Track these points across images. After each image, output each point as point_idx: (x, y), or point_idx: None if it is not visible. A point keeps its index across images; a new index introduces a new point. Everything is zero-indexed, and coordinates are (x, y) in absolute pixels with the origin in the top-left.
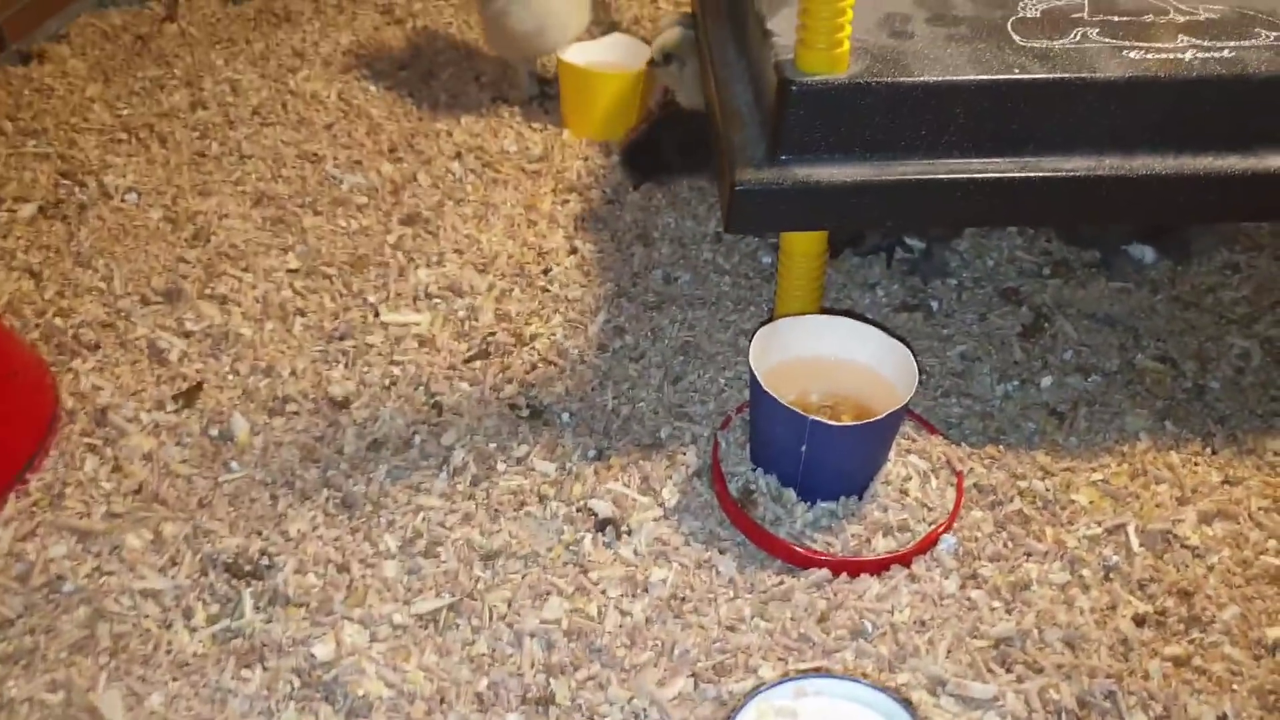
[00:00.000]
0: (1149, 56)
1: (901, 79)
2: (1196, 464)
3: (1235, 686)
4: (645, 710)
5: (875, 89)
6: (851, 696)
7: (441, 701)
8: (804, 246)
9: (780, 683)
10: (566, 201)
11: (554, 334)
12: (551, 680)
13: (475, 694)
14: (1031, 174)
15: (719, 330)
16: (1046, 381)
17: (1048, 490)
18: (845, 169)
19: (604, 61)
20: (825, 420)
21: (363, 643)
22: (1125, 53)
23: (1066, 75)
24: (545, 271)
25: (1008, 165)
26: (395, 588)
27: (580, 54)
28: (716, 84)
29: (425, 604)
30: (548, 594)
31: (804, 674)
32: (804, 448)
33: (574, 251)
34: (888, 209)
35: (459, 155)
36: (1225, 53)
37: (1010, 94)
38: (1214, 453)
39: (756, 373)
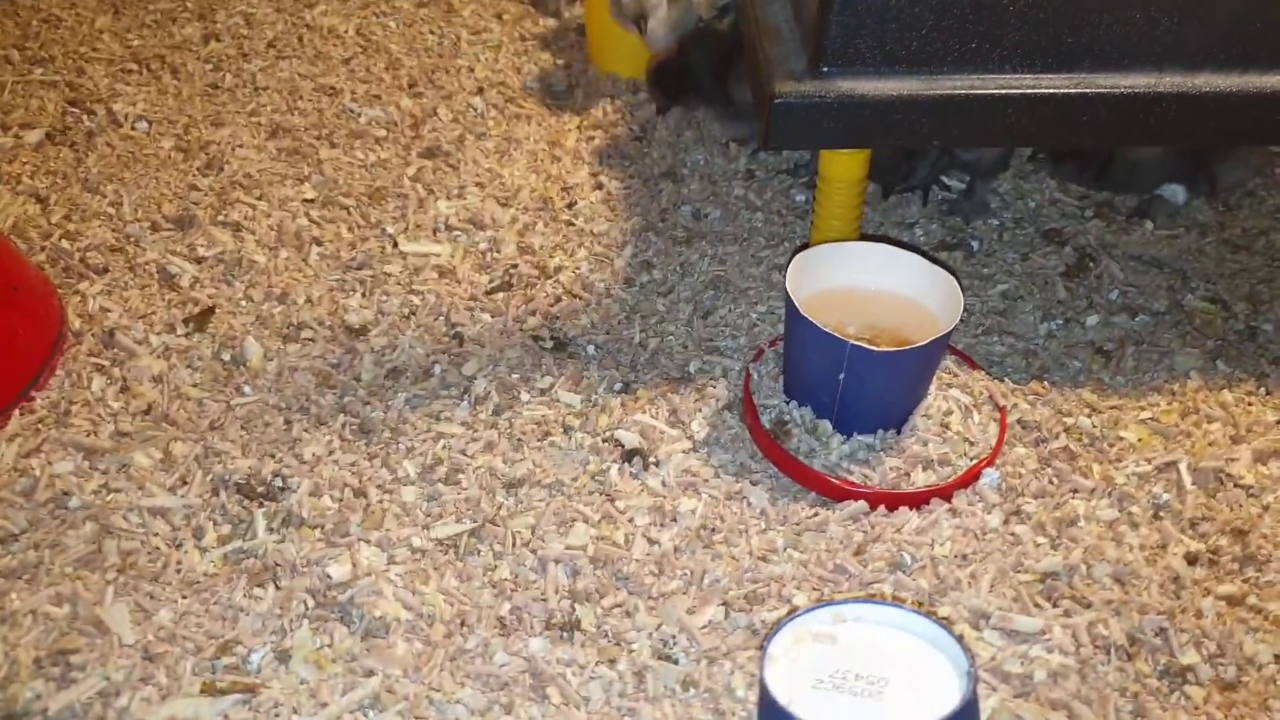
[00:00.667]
0: None
1: None
2: (1250, 404)
3: None
4: (675, 637)
5: None
6: (893, 623)
7: (462, 625)
8: (844, 171)
9: (817, 607)
10: (592, 138)
11: (579, 268)
12: (577, 606)
13: (497, 618)
14: (1087, 90)
15: (750, 265)
16: (1092, 320)
17: (1095, 427)
18: (890, 83)
19: None
20: (866, 345)
21: (380, 564)
22: None
23: None
24: (570, 205)
25: (1062, 81)
26: (414, 512)
27: None
28: (752, 3)
29: (445, 528)
30: (573, 521)
31: (843, 600)
32: (842, 375)
33: (600, 187)
34: (935, 126)
35: (480, 90)
36: None
37: (1066, 3)
38: (1268, 393)
39: (794, 297)
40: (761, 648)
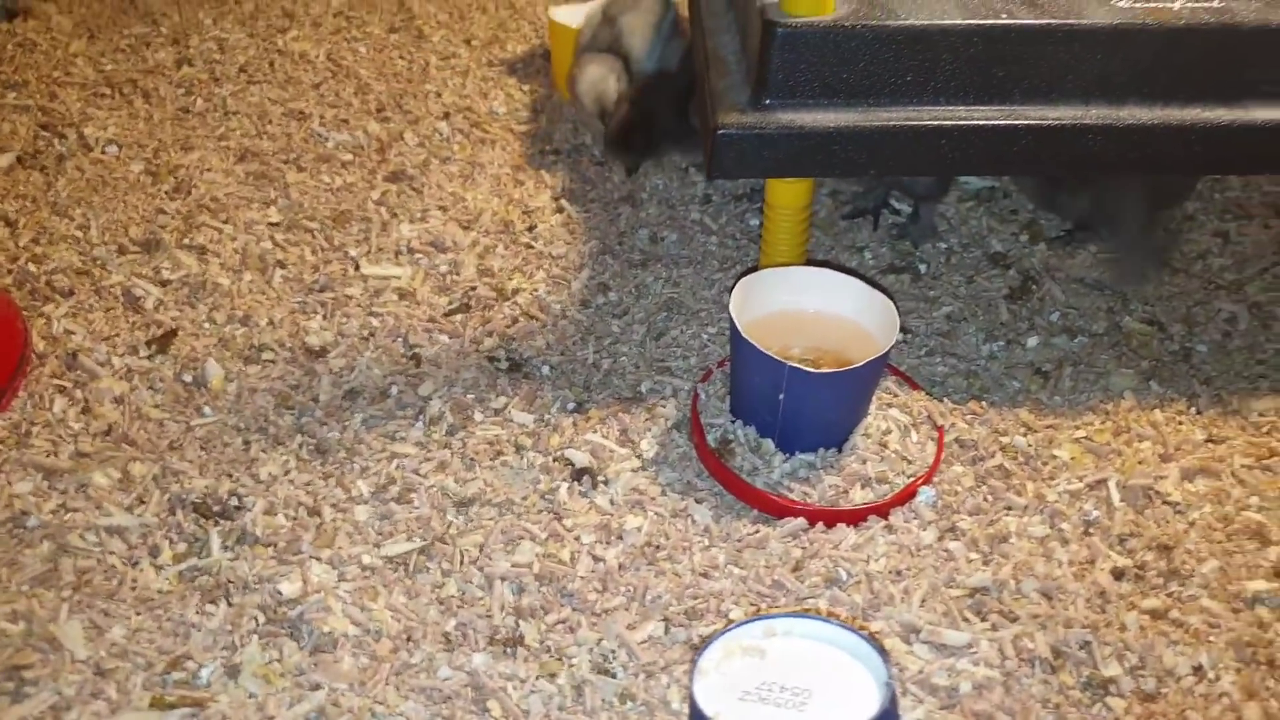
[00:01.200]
0: (1137, 5)
1: (887, 22)
2: (1181, 423)
3: (1212, 638)
4: (614, 652)
5: (860, 32)
6: (822, 637)
7: (408, 640)
8: (789, 198)
9: (749, 621)
10: (554, 163)
11: (536, 290)
12: (521, 622)
13: (443, 634)
14: (1017, 122)
15: (704, 288)
16: (1032, 342)
17: (1030, 446)
18: (830, 114)
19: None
20: (803, 367)
21: (330, 581)
22: (1114, 0)
23: (1053, 21)
24: (530, 229)
25: (994, 113)
26: (366, 531)
27: (573, 15)
28: (704, 34)
29: (395, 546)
30: (520, 539)
31: (775, 614)
32: (782, 396)
33: (560, 211)
34: (872, 156)
35: (447, 115)
36: (1214, 2)
37: (997, 39)
38: (1199, 412)
39: (736, 321)
40: (693, 661)
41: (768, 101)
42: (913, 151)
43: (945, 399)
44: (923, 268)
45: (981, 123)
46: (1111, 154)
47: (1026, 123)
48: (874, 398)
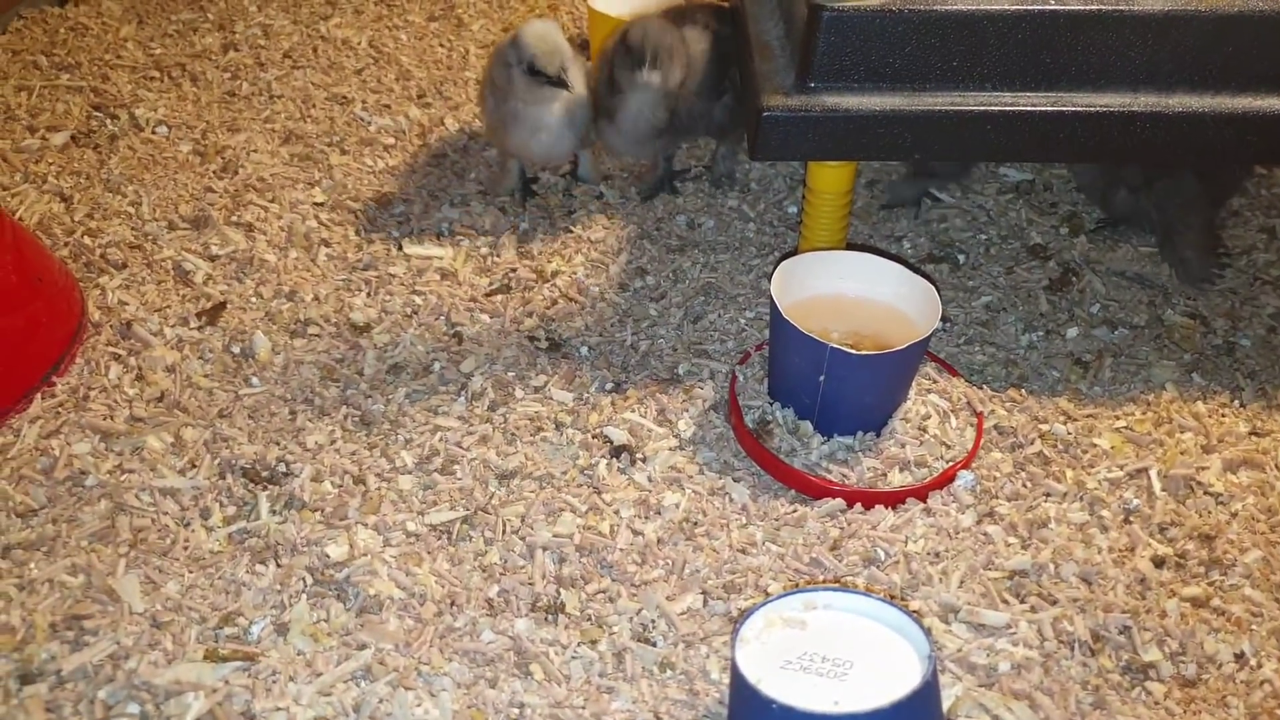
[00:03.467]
0: None
1: (934, 7)
2: (1224, 415)
3: (1255, 626)
4: (654, 622)
5: (907, 16)
6: (861, 610)
7: (452, 604)
8: (831, 184)
9: (790, 594)
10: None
11: (575, 272)
12: (562, 591)
13: (486, 599)
14: (1064, 108)
15: (741, 273)
16: (1072, 333)
17: (1069, 434)
18: (874, 98)
19: (639, 12)
20: (845, 348)
21: (376, 546)
22: None
23: (1103, 7)
24: (569, 214)
25: (1040, 99)
26: (410, 499)
27: (611, 4)
28: (748, 19)
29: (439, 515)
30: (561, 511)
31: (815, 588)
32: (822, 377)
33: (599, 197)
34: (916, 140)
35: None
36: None
37: (1044, 25)
38: (1242, 405)
39: (778, 303)
40: (734, 630)
41: (812, 85)
42: (958, 136)
43: (984, 386)
44: (962, 258)
45: (1028, 109)
46: (1159, 143)
47: (1074, 109)
48: (913, 383)
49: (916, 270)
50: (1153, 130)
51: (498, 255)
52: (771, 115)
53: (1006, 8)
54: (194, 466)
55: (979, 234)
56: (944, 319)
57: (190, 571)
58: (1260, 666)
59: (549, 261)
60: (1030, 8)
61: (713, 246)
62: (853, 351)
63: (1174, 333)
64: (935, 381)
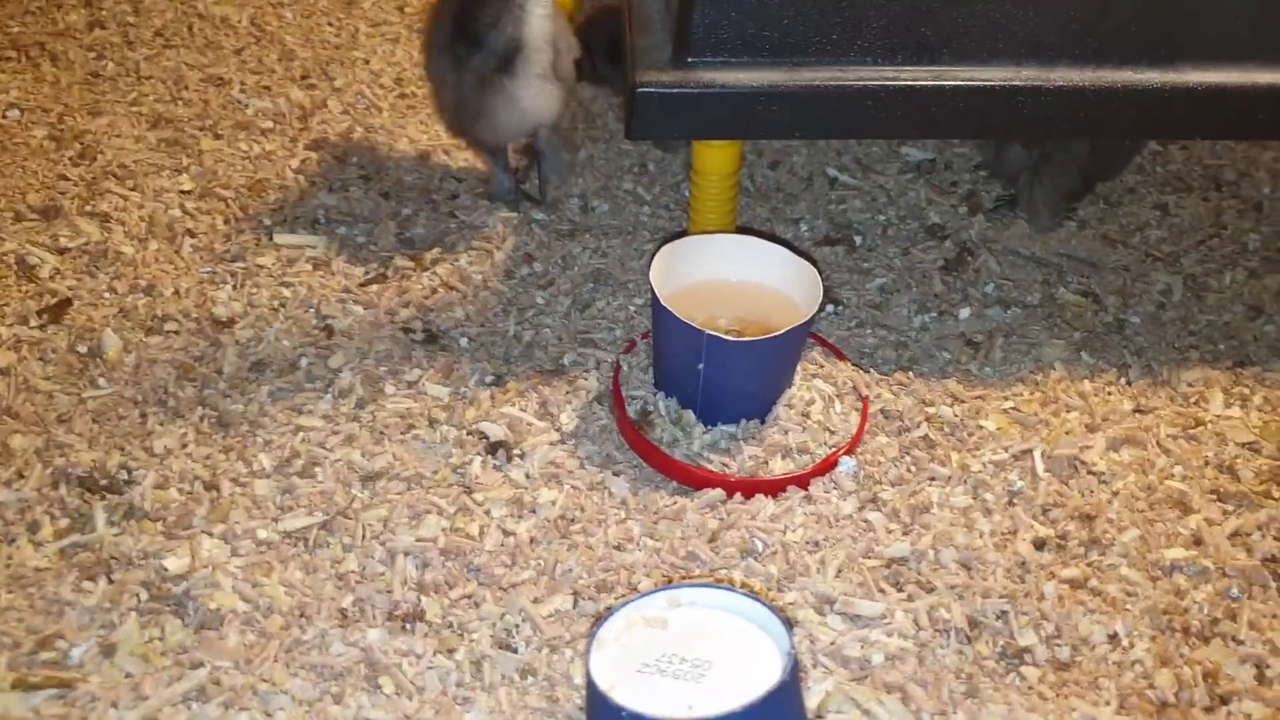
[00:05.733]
0: None
1: None
2: (1110, 393)
3: (1129, 606)
4: (518, 626)
5: None
6: (727, 608)
7: (301, 616)
8: (716, 164)
9: (654, 592)
10: None
11: (458, 260)
12: (422, 598)
13: (339, 609)
14: (945, 83)
15: (633, 259)
16: (965, 313)
17: (956, 416)
18: (753, 73)
19: None
20: (722, 335)
21: (221, 557)
22: None
23: None
24: (453, 198)
25: (922, 73)
26: (265, 505)
27: None
28: None
29: (295, 521)
30: (426, 513)
31: (681, 585)
32: (701, 365)
33: (488, 180)
34: (797, 117)
35: (375, 82)
36: None
37: None
38: (1129, 383)
39: (657, 290)
40: (591, 633)
41: (689, 60)
42: (838, 113)
43: (872, 370)
44: (858, 239)
45: (909, 83)
46: (1042, 117)
47: (955, 84)
48: (798, 368)
49: (800, 253)
50: (1035, 105)
51: (375, 243)
52: (646, 92)
53: None
54: (22, 477)
55: (877, 215)
56: (836, 303)
57: (9, 592)
58: (1133, 646)
59: (429, 249)
60: None
61: (605, 231)
62: (730, 338)
63: (1066, 311)
64: (821, 366)
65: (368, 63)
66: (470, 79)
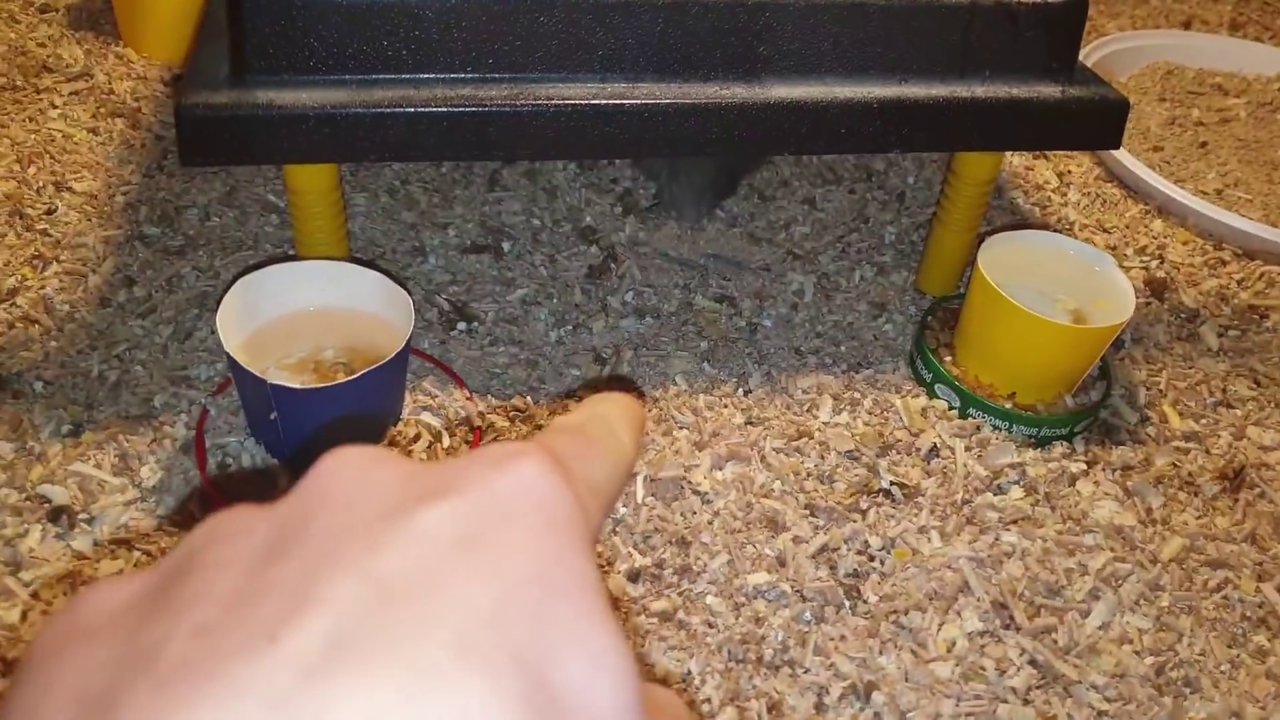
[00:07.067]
0: None
1: None
2: (725, 406)
3: (708, 640)
4: None
5: None
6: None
7: None
8: (310, 182)
9: None
10: (108, 130)
11: (44, 287)
12: None
13: None
14: (522, 103)
15: None
16: (599, 325)
17: None
18: (317, 92)
19: None
20: (286, 384)
21: None
22: None
23: None
24: (49, 212)
25: (500, 92)
26: None
27: None
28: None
29: None
30: None
31: None
32: (274, 415)
33: (98, 190)
34: (368, 139)
35: None
36: None
37: (474, 10)
38: (747, 393)
39: (223, 333)
40: None
41: (246, 78)
42: (414, 134)
43: (491, 396)
44: (507, 246)
45: (489, 103)
46: (629, 137)
47: (535, 104)
48: (404, 401)
49: (391, 277)
50: (623, 123)
51: None
52: (191, 113)
53: None
54: None
55: (532, 218)
56: (472, 319)
57: None
58: (704, 684)
59: (10, 275)
60: None
61: (224, 245)
62: (296, 387)
63: (700, 318)
64: (434, 397)
65: None
66: None
